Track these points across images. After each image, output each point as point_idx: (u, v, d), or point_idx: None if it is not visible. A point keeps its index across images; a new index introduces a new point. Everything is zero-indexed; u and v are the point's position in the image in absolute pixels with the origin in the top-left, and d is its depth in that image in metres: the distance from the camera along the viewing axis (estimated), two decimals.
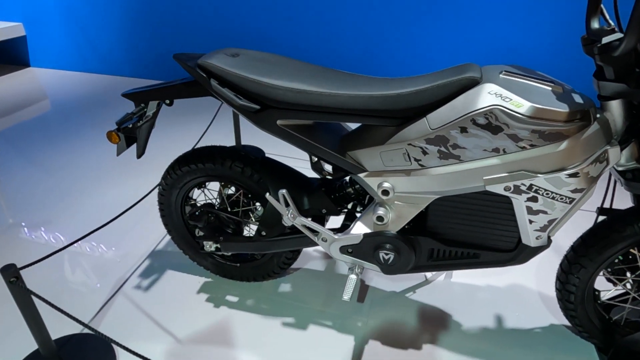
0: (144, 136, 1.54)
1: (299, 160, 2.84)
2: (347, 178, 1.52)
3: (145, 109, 1.50)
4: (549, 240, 1.28)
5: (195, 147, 1.62)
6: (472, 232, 1.32)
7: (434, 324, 1.66)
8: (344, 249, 1.43)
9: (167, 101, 1.54)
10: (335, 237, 1.41)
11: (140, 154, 1.56)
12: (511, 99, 1.08)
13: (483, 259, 1.35)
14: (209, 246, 1.61)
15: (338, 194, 1.50)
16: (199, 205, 1.66)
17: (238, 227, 1.67)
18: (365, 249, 1.40)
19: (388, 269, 1.41)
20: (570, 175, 1.12)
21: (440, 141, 1.17)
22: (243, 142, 3.06)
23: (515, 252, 1.31)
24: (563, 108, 1.07)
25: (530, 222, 1.21)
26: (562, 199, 1.16)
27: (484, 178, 1.18)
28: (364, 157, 1.30)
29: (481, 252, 1.34)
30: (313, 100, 1.22)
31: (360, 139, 1.31)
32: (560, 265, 1.43)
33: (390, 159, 1.26)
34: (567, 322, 1.66)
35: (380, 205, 1.35)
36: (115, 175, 2.67)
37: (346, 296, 1.41)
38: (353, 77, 1.30)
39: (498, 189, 1.18)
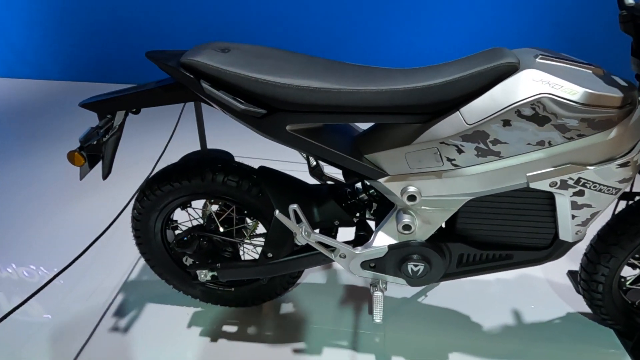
0: (110, 152, 1.29)
1: (276, 162, 2.63)
2: (359, 183, 1.36)
3: (112, 121, 1.25)
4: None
5: (174, 162, 1.38)
6: (506, 232, 1.21)
7: (453, 327, 1.56)
8: (365, 264, 1.27)
9: (134, 109, 1.29)
10: (357, 252, 1.25)
11: (106, 173, 1.31)
12: (562, 86, 0.96)
13: (517, 259, 1.25)
14: (204, 275, 1.38)
15: (350, 202, 1.33)
16: (184, 228, 1.42)
17: (234, 249, 1.46)
18: (391, 262, 1.25)
19: (417, 281, 1.27)
20: (621, 165, 1.03)
21: (479, 137, 1.04)
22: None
23: (551, 248, 1.22)
24: (616, 93, 0.97)
25: (573, 217, 1.12)
26: (608, 190, 1.07)
27: (528, 175, 1.06)
28: (386, 160, 1.14)
29: (515, 252, 1.24)
30: (331, 100, 1.04)
31: (380, 140, 1.15)
32: (586, 255, 1.37)
33: (417, 161, 1.11)
34: (582, 309, 1.62)
35: (404, 213, 1.20)
36: (67, 198, 2.31)
37: (377, 319, 1.25)
38: (368, 70, 1.13)
39: (543, 185, 1.07)
